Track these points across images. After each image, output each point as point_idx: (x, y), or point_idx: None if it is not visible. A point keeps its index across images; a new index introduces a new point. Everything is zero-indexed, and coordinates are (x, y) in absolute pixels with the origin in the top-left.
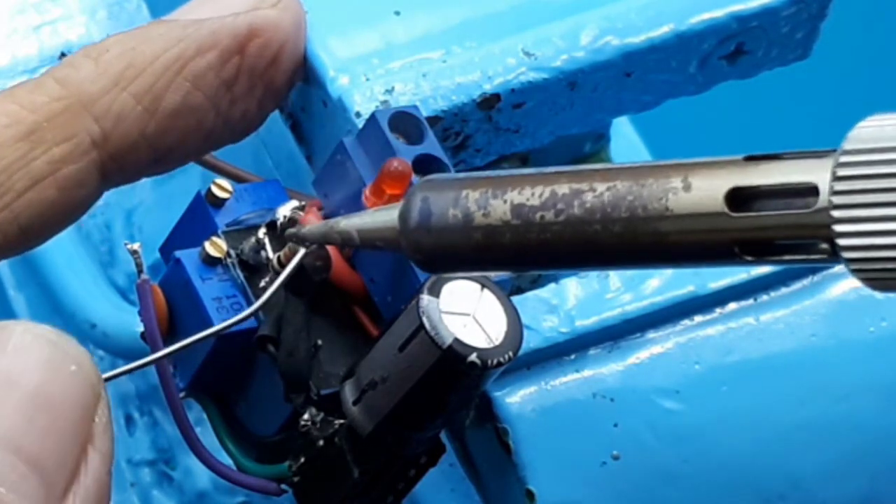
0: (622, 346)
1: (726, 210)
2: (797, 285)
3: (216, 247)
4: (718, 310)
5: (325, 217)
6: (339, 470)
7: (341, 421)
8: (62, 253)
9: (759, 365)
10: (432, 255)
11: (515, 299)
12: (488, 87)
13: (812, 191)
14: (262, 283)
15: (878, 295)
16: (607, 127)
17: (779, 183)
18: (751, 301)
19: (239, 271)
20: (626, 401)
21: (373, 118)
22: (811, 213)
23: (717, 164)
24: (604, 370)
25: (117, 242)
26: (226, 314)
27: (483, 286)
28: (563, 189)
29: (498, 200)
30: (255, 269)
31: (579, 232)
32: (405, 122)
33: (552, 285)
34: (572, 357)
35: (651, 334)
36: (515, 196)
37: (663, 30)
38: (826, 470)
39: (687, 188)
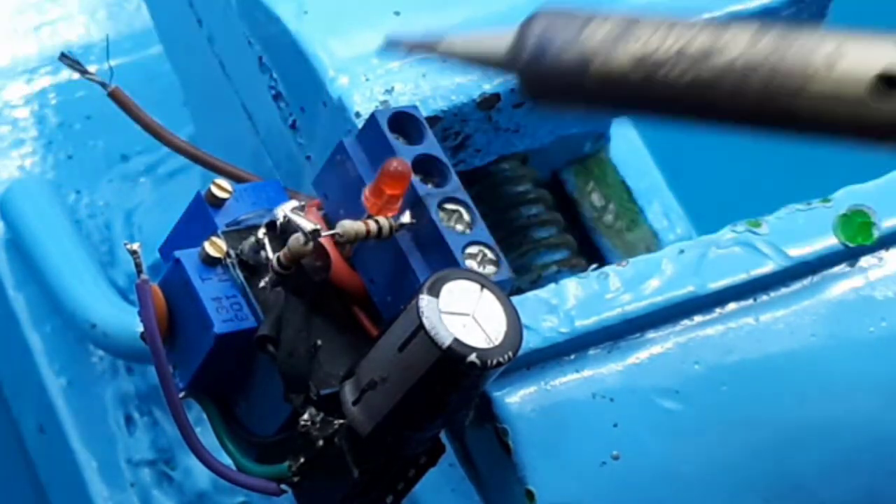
0: (622, 346)
1: (870, 95)
2: (797, 285)
3: (216, 247)
4: (718, 310)
5: (325, 217)
6: (339, 470)
7: (341, 421)
8: (62, 253)
9: (759, 365)
10: (540, 89)
11: (515, 299)
12: (488, 87)
13: None
14: (262, 284)
15: (878, 295)
16: (607, 127)
17: None
18: (751, 301)
19: (238, 271)
20: (626, 401)
21: (372, 118)
22: None
23: (870, 41)
24: (603, 370)
25: (117, 242)
26: (225, 314)
27: (482, 286)
28: (694, 45)
29: (620, 49)
30: (254, 269)
31: (702, 96)
32: (405, 122)
33: (552, 285)
34: (572, 357)
35: (651, 334)
36: (639, 47)
37: None
38: (826, 470)
39: (830, 67)
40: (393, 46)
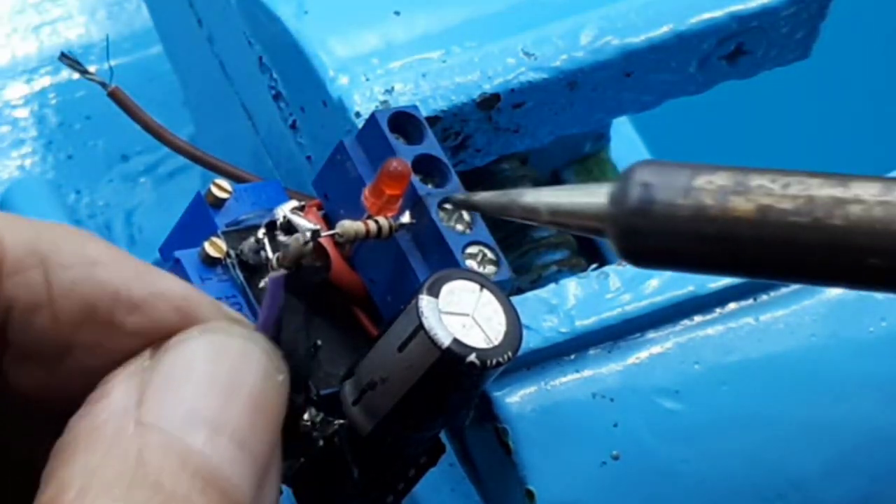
0: (622, 346)
1: None
2: (797, 285)
3: (216, 247)
4: (718, 310)
5: (325, 217)
6: (339, 470)
7: (341, 421)
8: None
9: (759, 365)
10: (646, 245)
11: (515, 299)
12: (488, 87)
13: None
14: (262, 284)
15: (878, 295)
16: (607, 127)
17: None
18: (751, 301)
19: (238, 271)
20: (626, 401)
21: (372, 118)
22: None
23: None
24: (603, 370)
25: (117, 242)
26: None
27: (482, 286)
28: (821, 195)
29: (740, 198)
30: (254, 269)
31: (840, 245)
32: (405, 122)
33: (552, 285)
34: (572, 357)
35: (651, 334)
36: (762, 196)
37: (663, 30)
38: (826, 470)
39: None
40: (461, 205)
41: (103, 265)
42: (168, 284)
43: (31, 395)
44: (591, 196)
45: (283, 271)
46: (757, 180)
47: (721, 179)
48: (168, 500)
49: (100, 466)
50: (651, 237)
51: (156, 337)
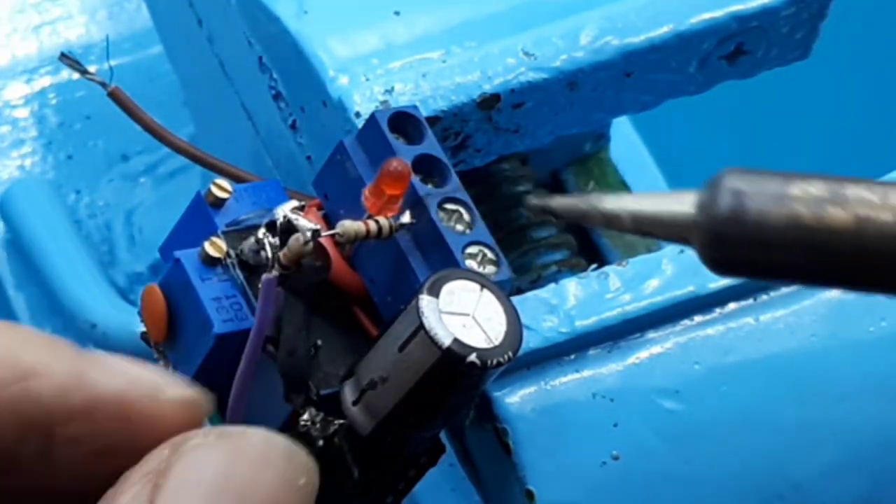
0: (622, 346)
1: None
2: (797, 285)
3: (216, 247)
4: (718, 310)
5: (325, 217)
6: (339, 470)
7: (341, 421)
8: (62, 253)
9: (759, 365)
10: (735, 254)
11: (515, 299)
12: (488, 87)
13: None
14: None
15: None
16: (607, 127)
17: None
18: (751, 301)
19: (238, 271)
20: (626, 401)
21: (372, 118)
22: None
23: None
24: (604, 370)
25: (117, 242)
26: (225, 314)
27: (482, 286)
28: None
29: (837, 208)
30: (254, 269)
31: None
32: (405, 122)
33: (552, 285)
34: (572, 357)
35: (651, 334)
36: (860, 207)
37: (663, 30)
38: (826, 470)
39: None
40: (538, 210)
41: (36, 376)
42: (106, 383)
43: None
44: (677, 203)
45: (275, 273)
46: (853, 190)
47: (816, 189)
48: None
49: None
50: (741, 247)
51: (98, 443)
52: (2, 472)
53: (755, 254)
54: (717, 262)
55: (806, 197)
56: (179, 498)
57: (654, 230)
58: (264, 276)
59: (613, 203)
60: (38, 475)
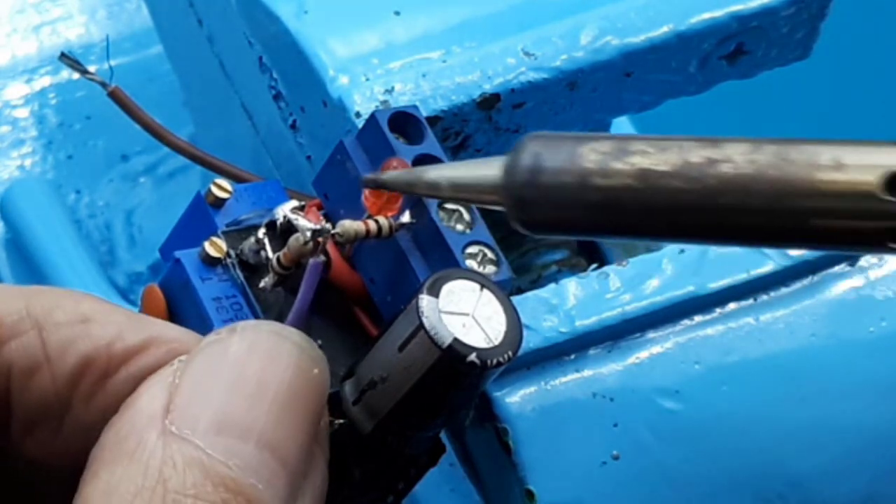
0: (622, 346)
1: (881, 193)
2: (797, 285)
3: (216, 247)
4: (718, 310)
5: (325, 217)
6: (339, 470)
7: (341, 421)
8: (62, 253)
9: (759, 365)
10: (539, 215)
11: (515, 299)
12: (488, 87)
13: None
14: (262, 284)
15: (878, 295)
16: (607, 127)
17: None
18: (751, 301)
19: (238, 271)
20: (626, 401)
21: (372, 118)
22: None
23: (868, 145)
24: (604, 370)
25: (117, 242)
26: (225, 314)
27: (482, 286)
28: (695, 157)
29: (620, 163)
30: (254, 269)
31: (712, 203)
32: (405, 122)
33: (552, 285)
34: (572, 357)
35: (651, 334)
36: (641, 160)
37: (663, 30)
38: (826, 469)
39: (838, 167)
40: (371, 183)
41: (95, 321)
42: (160, 329)
43: (39, 460)
44: (487, 168)
45: (322, 258)
46: (637, 146)
47: (604, 147)
48: None
49: (121, 482)
50: (542, 205)
51: None
52: (50, 426)
53: (555, 212)
54: (524, 222)
55: (594, 155)
56: (195, 398)
57: (470, 195)
58: (312, 261)
59: (434, 172)
60: (78, 431)
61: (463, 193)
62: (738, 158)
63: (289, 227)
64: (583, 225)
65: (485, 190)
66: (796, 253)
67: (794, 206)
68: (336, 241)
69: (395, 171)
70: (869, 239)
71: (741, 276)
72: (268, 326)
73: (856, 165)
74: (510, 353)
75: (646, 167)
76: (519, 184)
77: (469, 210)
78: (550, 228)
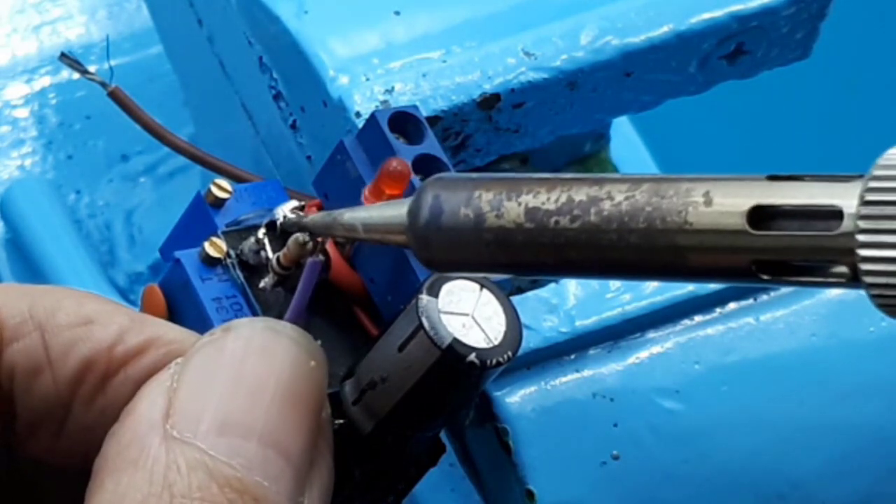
0: (622, 346)
1: (747, 227)
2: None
3: (216, 247)
4: (718, 310)
5: None
6: (339, 470)
7: (341, 421)
8: (62, 253)
9: (759, 365)
10: (440, 254)
11: (515, 299)
12: (488, 87)
13: (835, 214)
14: (262, 284)
15: None
16: (607, 127)
17: (802, 204)
18: (751, 301)
19: (238, 271)
20: (626, 401)
21: (373, 118)
22: (835, 237)
23: (739, 181)
24: (604, 370)
25: (117, 242)
26: (225, 314)
27: (482, 286)
28: (579, 195)
29: (512, 202)
30: (254, 269)
31: (594, 239)
32: (405, 122)
33: (552, 285)
34: (572, 357)
35: (651, 334)
36: (530, 199)
37: (663, 30)
38: (826, 470)
39: (708, 203)
40: (294, 227)
41: (97, 322)
42: (160, 330)
43: (43, 460)
44: (395, 210)
45: (321, 257)
46: (528, 186)
47: (499, 187)
48: None
49: (127, 491)
50: (442, 245)
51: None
52: (52, 427)
53: (455, 250)
54: (428, 262)
55: (488, 196)
56: (194, 401)
57: (382, 237)
58: (310, 260)
59: (349, 215)
60: (79, 432)
61: (375, 235)
62: (617, 196)
63: (289, 228)
64: (481, 263)
65: (393, 231)
66: None
67: (670, 242)
68: (336, 242)
69: (314, 215)
70: (742, 271)
71: None
72: (262, 323)
73: (724, 202)
74: (510, 353)
75: (534, 206)
76: (421, 225)
77: None
78: (453, 267)
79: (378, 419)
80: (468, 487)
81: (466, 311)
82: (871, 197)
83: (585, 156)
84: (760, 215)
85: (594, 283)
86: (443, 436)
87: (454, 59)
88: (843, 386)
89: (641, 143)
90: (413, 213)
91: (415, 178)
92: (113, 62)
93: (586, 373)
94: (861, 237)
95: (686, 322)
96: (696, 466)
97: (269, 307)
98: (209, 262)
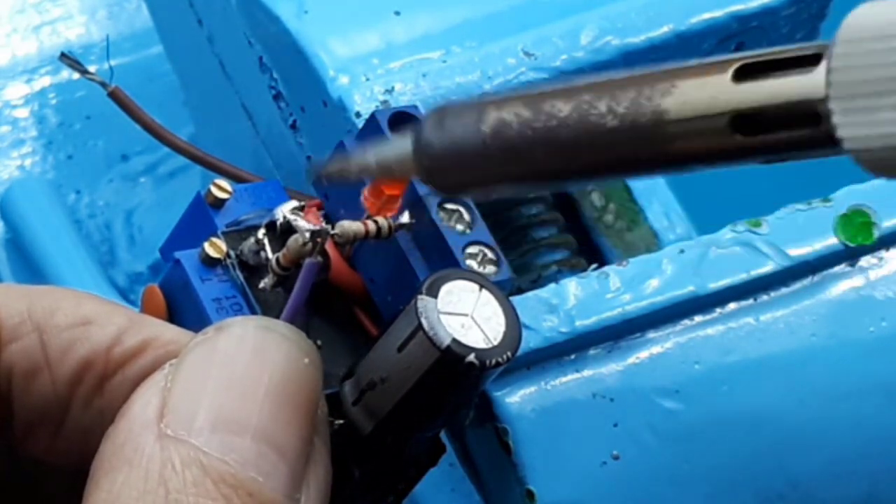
0: (622, 346)
1: (729, 80)
2: (797, 285)
3: (215, 247)
4: (718, 310)
5: (325, 217)
6: (339, 470)
7: (341, 421)
8: (62, 253)
9: (759, 365)
10: (446, 170)
11: (515, 299)
12: (488, 87)
13: (814, 59)
14: (262, 284)
15: (878, 295)
16: None
17: (779, 57)
18: (751, 301)
19: (238, 272)
20: (626, 401)
21: (372, 118)
22: (810, 78)
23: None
24: (604, 370)
25: (117, 242)
26: (225, 315)
27: (481, 286)
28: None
29: (510, 102)
30: (254, 269)
31: (584, 118)
32: (405, 123)
33: (552, 285)
34: (572, 357)
35: (651, 334)
36: (526, 98)
37: (663, 30)
38: (826, 470)
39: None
40: (318, 178)
41: (95, 323)
42: (158, 330)
43: (41, 459)
44: (402, 140)
45: (319, 259)
46: (519, 98)
47: (495, 100)
48: None
49: (123, 489)
50: (446, 158)
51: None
52: (50, 427)
53: (459, 161)
54: (437, 181)
55: (488, 98)
56: (187, 399)
57: (395, 170)
58: (307, 261)
59: (362, 155)
60: (78, 431)
61: (388, 170)
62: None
63: (289, 228)
64: (486, 174)
65: (405, 161)
66: (796, 253)
67: (652, 105)
68: (335, 242)
69: (331, 162)
70: (720, 131)
71: (741, 276)
72: (254, 322)
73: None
74: (509, 353)
75: (531, 97)
76: (424, 143)
77: (469, 210)
78: (460, 185)
79: (378, 419)
80: (468, 487)
81: (465, 312)
82: (840, 50)
83: None
84: (743, 72)
85: (594, 284)
86: (443, 436)
87: (454, 60)
88: (843, 386)
89: None
90: (417, 135)
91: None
92: (113, 62)
93: (586, 373)
94: (833, 76)
95: (686, 322)
96: (695, 467)
97: (269, 307)
98: (209, 262)
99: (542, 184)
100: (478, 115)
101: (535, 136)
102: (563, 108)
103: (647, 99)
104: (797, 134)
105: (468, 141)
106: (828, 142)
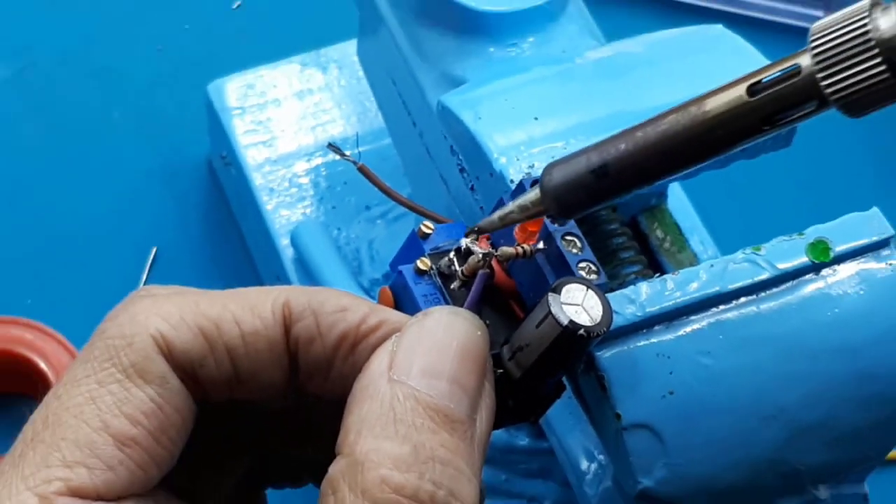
0: (675, 324)
1: (746, 97)
2: (783, 286)
3: (424, 264)
4: (734, 302)
5: (492, 245)
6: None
7: (500, 371)
8: (329, 267)
9: (761, 336)
10: (564, 201)
11: (609, 295)
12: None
13: (798, 71)
14: (453, 286)
15: (833, 293)
16: (666, 188)
17: (776, 70)
18: (754, 296)
19: (437, 279)
20: (678, 357)
21: (520, 184)
22: (804, 76)
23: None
24: (663, 339)
25: (363, 260)
26: (429, 305)
27: (588, 287)
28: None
29: (598, 145)
30: (448, 277)
31: (657, 126)
32: None
33: (631, 286)
34: (644, 331)
35: (692, 317)
36: (611, 138)
37: None
38: (802, 400)
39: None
40: (471, 232)
41: (350, 310)
42: (388, 315)
43: (318, 394)
44: (531, 192)
45: (487, 270)
46: (610, 142)
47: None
48: (409, 429)
49: (367, 413)
50: (564, 194)
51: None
52: (321, 376)
53: (573, 193)
54: (559, 210)
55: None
56: (407, 357)
57: (529, 212)
58: (481, 271)
59: (504, 210)
60: (338, 378)
61: (524, 213)
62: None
63: (469, 251)
64: (595, 195)
65: (535, 204)
66: (782, 266)
67: (700, 113)
68: (498, 260)
69: (485, 219)
70: (754, 129)
71: (748, 281)
72: (448, 309)
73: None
74: (605, 328)
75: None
76: (546, 187)
77: (580, 240)
78: (576, 208)
79: (524, 370)
80: (581, 412)
81: (578, 302)
82: (815, 46)
83: (652, 206)
84: (754, 90)
85: (658, 285)
86: (564, 380)
87: (572, 147)
88: (813, 348)
89: (686, 198)
90: (541, 183)
91: (546, 220)
92: (361, 149)
93: (653, 340)
94: (818, 58)
95: (714, 310)
96: (721, 398)
97: (457, 301)
98: (419, 273)
99: (640, 183)
100: (580, 156)
101: (629, 157)
102: (637, 132)
103: (696, 114)
104: (802, 113)
105: (578, 178)
106: (819, 107)
